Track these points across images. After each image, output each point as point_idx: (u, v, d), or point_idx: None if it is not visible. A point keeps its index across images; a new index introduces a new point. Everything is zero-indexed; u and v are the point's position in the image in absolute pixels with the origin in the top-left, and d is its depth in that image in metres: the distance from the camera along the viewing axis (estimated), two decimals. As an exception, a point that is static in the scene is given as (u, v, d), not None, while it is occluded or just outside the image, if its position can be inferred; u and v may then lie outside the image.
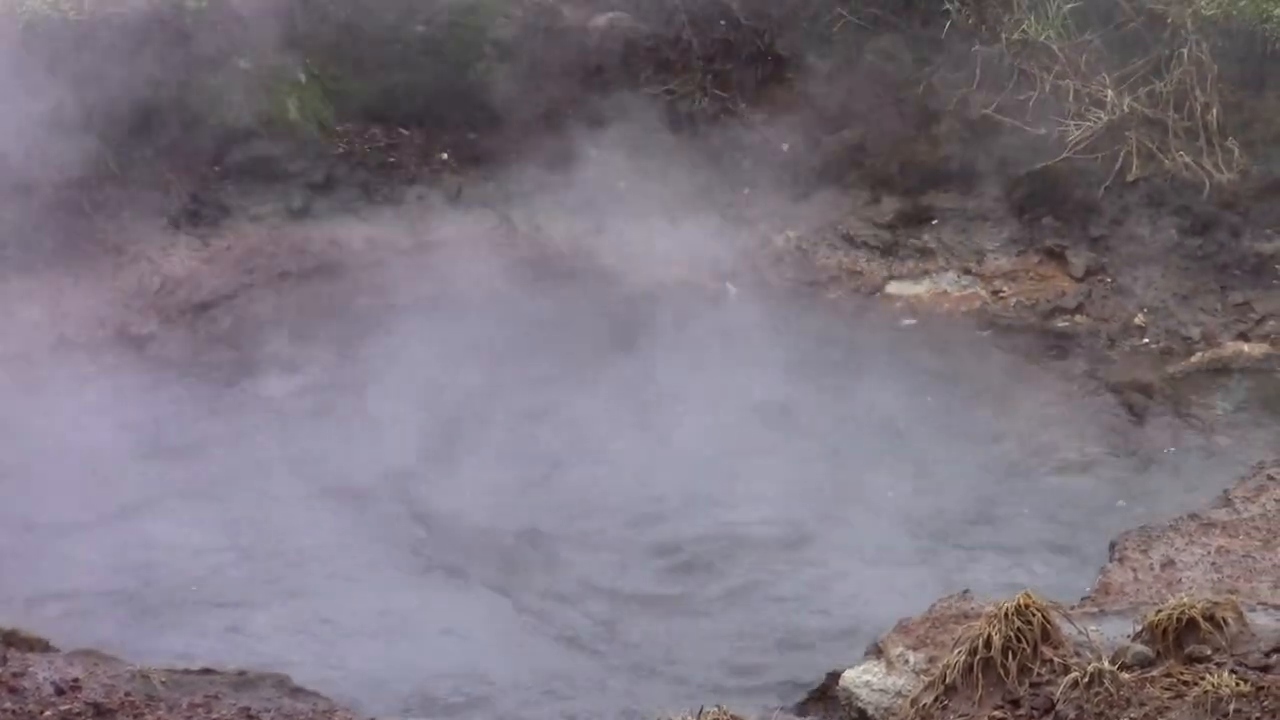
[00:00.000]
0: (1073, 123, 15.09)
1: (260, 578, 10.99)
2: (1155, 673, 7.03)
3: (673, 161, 15.85)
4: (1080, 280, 14.93)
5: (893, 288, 15.26)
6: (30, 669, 7.11)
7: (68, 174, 14.23)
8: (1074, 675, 6.96)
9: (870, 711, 7.92)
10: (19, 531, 11.16)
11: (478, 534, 11.74)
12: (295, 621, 10.50)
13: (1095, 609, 8.19)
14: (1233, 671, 6.90)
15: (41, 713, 6.74)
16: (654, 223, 15.57)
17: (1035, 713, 6.95)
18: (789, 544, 11.66)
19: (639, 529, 11.88)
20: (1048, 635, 7.33)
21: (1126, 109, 15.04)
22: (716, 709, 6.91)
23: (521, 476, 12.45)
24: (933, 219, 15.57)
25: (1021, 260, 15.23)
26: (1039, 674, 7.19)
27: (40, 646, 7.71)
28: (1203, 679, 6.83)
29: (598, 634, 10.66)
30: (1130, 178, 15.00)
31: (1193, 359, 13.95)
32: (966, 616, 8.12)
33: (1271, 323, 14.20)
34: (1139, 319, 14.50)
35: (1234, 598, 7.65)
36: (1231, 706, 6.62)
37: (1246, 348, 13.97)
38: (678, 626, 10.69)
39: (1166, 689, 6.89)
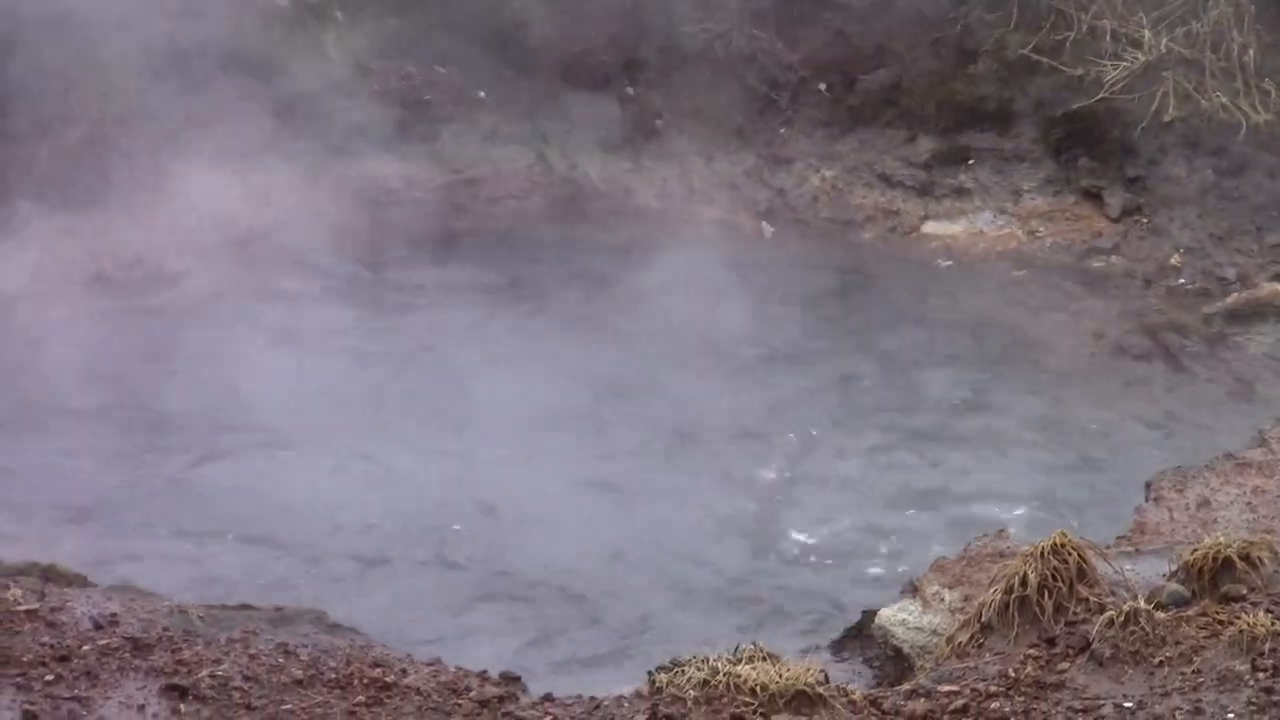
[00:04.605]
0: (1110, 63, 15.03)
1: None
2: (1191, 612, 7.04)
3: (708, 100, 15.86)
4: (1116, 221, 14.89)
5: (929, 227, 15.25)
6: (68, 604, 7.13)
7: (107, 111, 14.25)
8: (1110, 614, 6.96)
9: (906, 650, 7.93)
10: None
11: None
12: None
13: (1131, 548, 8.17)
14: (1268, 611, 6.91)
15: (79, 647, 6.76)
16: (691, 161, 15.59)
17: (1071, 651, 6.95)
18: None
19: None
20: (1083, 574, 7.33)
21: (1163, 49, 14.98)
22: (753, 645, 6.92)
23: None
24: (969, 159, 15.53)
25: (1058, 200, 15.20)
26: (1074, 613, 7.19)
27: (78, 581, 7.72)
28: (1238, 618, 6.84)
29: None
30: (1167, 118, 14.93)
31: (1228, 300, 13.90)
32: (1002, 555, 8.12)
33: (1307, 264, 14.18)
34: (1175, 260, 14.46)
35: (1270, 537, 7.64)
36: (1267, 646, 6.62)
37: (1282, 289, 13.94)
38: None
39: (1202, 628, 6.90)
